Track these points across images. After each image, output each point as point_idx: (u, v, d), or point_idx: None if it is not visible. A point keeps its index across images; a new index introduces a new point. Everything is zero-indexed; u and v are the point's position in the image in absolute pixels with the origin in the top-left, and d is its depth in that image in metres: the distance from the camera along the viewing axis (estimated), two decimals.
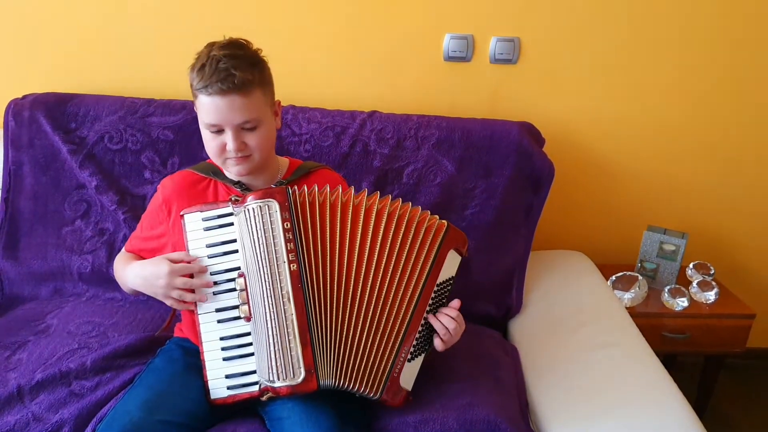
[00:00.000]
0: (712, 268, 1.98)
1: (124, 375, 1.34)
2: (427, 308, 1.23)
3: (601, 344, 1.46)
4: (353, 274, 1.19)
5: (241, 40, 1.22)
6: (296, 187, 1.20)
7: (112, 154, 1.68)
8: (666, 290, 1.88)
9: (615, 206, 2.05)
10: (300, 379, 1.13)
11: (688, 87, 1.89)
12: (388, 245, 1.21)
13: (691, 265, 1.99)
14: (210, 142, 1.22)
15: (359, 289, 1.19)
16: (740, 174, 2.00)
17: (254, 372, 1.17)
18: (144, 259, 1.35)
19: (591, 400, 1.30)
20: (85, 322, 1.53)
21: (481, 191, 1.69)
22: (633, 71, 1.87)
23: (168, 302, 1.21)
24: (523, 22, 1.81)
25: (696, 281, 1.91)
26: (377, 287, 1.20)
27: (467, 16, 1.80)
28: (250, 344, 1.18)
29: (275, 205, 1.17)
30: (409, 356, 1.22)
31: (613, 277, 1.89)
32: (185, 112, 1.67)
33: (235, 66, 1.15)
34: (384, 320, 1.20)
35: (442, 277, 1.25)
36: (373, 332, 1.19)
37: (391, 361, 1.20)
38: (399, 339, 1.21)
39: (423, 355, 1.25)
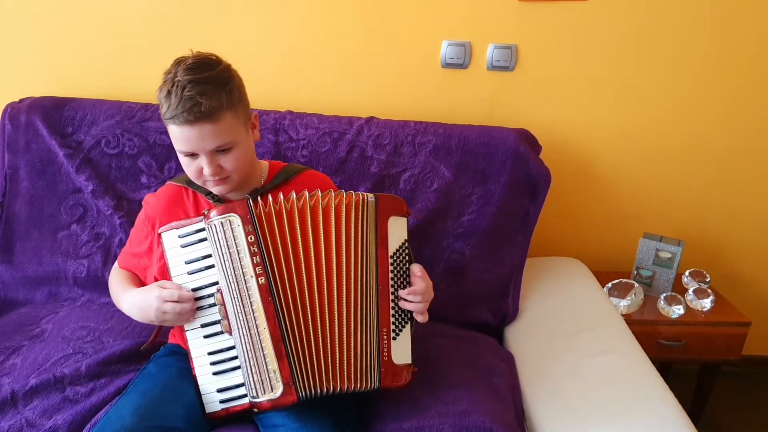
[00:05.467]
0: (707, 275, 1.98)
1: (118, 381, 1.34)
2: (391, 282, 1.23)
3: (596, 351, 1.46)
4: (320, 278, 1.18)
5: (209, 58, 1.17)
6: (260, 198, 1.18)
7: (109, 159, 1.68)
8: (662, 298, 1.88)
9: (611, 213, 2.05)
10: (278, 393, 1.13)
11: (685, 95, 1.90)
12: (333, 238, 1.19)
13: (687, 273, 2.00)
14: (187, 168, 1.21)
15: (325, 291, 1.18)
16: (736, 182, 2.01)
17: (244, 384, 1.17)
18: (138, 275, 1.36)
19: (586, 407, 1.30)
20: (80, 327, 1.52)
21: (477, 197, 1.69)
22: (629, 79, 1.88)
23: (167, 324, 1.21)
24: (520, 30, 1.82)
25: (692, 289, 1.91)
26: (343, 283, 1.19)
27: (465, 23, 1.81)
28: (237, 357, 1.18)
29: (237, 220, 1.15)
30: (393, 335, 1.22)
31: (609, 284, 1.89)
32: None
33: (201, 92, 1.10)
34: (353, 312, 1.19)
35: (393, 247, 1.23)
36: (345, 329, 1.18)
37: (375, 349, 1.20)
38: (374, 324, 1.21)
39: (407, 325, 1.25)
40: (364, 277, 1.21)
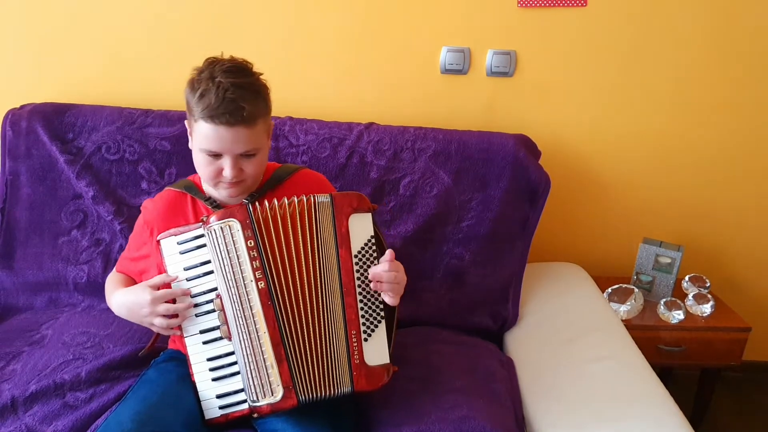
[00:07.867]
0: (707, 281, 1.98)
1: (118, 387, 1.34)
2: (357, 282, 1.20)
3: (596, 357, 1.46)
4: (294, 282, 1.18)
5: (244, 64, 1.19)
6: (258, 204, 1.18)
7: (109, 165, 1.68)
8: (662, 303, 1.88)
9: (611, 219, 2.05)
10: (279, 397, 1.14)
11: (684, 100, 1.91)
12: (301, 243, 1.19)
13: (686, 278, 2.00)
14: (206, 167, 1.21)
15: (300, 295, 1.18)
16: (736, 187, 2.01)
17: (243, 390, 1.17)
18: (135, 279, 1.36)
19: (587, 413, 1.30)
20: (80, 332, 1.52)
21: (477, 203, 1.69)
22: (628, 84, 1.88)
23: (154, 329, 1.21)
24: (519, 36, 1.82)
25: (692, 294, 1.91)
26: (313, 287, 1.19)
27: (464, 29, 1.81)
28: (237, 363, 1.18)
29: (236, 225, 1.16)
30: (363, 336, 1.20)
31: (609, 290, 1.89)
32: (183, 122, 1.67)
33: (243, 97, 1.13)
34: (325, 316, 1.19)
35: (357, 245, 1.21)
36: (321, 333, 1.18)
37: (345, 353, 1.19)
38: (342, 327, 1.19)
39: (381, 323, 1.22)
40: (326, 279, 1.19)
